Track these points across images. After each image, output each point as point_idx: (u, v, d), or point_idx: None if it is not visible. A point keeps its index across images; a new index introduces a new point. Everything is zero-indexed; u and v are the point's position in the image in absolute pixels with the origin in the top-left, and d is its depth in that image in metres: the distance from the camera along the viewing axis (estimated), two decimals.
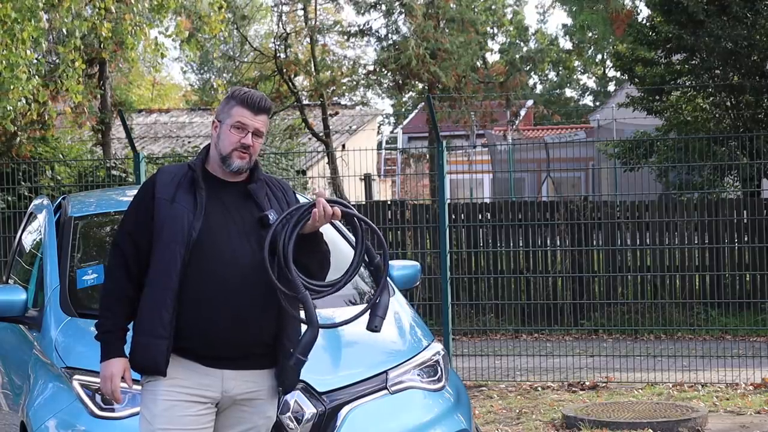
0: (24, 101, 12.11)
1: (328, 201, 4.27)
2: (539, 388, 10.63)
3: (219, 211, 4.31)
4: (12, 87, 11.70)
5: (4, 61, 11.67)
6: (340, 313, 5.50)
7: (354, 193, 18.84)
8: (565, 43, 48.64)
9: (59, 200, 6.79)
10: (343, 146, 25.19)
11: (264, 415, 4.38)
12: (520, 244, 14.47)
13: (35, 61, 12.93)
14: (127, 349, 4.35)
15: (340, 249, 5.71)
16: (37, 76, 12.42)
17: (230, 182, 4.38)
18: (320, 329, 4.31)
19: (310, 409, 5.07)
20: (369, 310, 4.37)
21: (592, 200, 14.88)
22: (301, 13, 24.20)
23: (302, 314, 4.28)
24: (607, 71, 49.18)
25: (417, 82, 23.65)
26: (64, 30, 12.64)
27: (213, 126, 4.41)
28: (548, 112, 27.25)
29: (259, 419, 4.37)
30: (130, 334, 4.35)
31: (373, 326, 4.36)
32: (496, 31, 38.81)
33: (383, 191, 26.26)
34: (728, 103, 17.03)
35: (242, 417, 4.34)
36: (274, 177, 4.58)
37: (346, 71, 23.89)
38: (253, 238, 4.31)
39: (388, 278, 4.44)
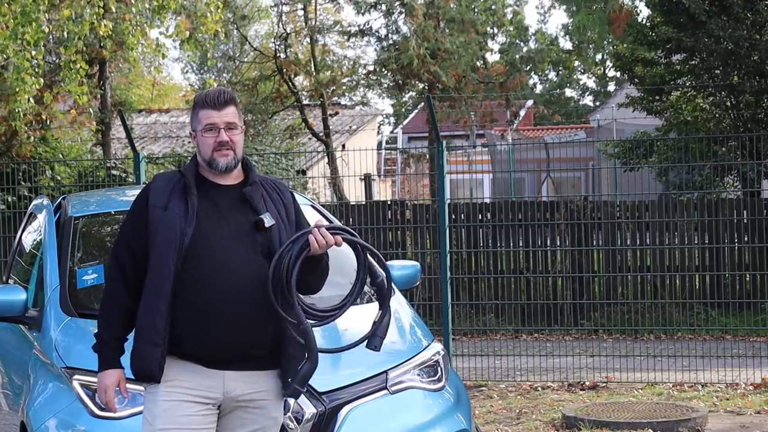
0: (31, 102, 12.16)
1: (329, 229, 4.26)
2: (539, 388, 10.63)
3: (213, 215, 4.30)
4: (18, 89, 11.75)
5: (10, 62, 11.71)
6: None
7: (354, 193, 18.83)
8: (565, 43, 48.69)
9: (59, 200, 6.79)
10: (343, 146, 25.19)
11: (269, 416, 4.37)
12: (520, 244, 14.46)
13: (36, 62, 12.95)
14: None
15: (341, 249, 5.72)
16: (35, 77, 12.43)
17: (224, 186, 4.36)
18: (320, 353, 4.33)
19: (310, 409, 5.07)
20: (371, 328, 4.39)
21: (592, 200, 14.88)
22: (301, 13, 24.20)
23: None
24: (607, 71, 49.20)
25: (417, 82, 23.64)
26: (65, 33, 12.65)
27: (192, 138, 4.40)
28: (548, 112, 27.26)
29: (265, 420, 4.36)
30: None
31: (373, 346, 4.38)
32: (496, 31, 38.81)
33: (383, 191, 26.25)
34: (728, 103, 17.03)
35: (247, 418, 4.33)
36: (270, 178, 4.55)
37: (346, 71, 23.89)
38: (248, 241, 4.29)
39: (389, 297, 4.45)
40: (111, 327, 4.33)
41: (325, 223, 4.33)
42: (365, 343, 4.38)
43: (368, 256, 4.37)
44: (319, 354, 4.31)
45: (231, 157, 4.31)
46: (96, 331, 4.38)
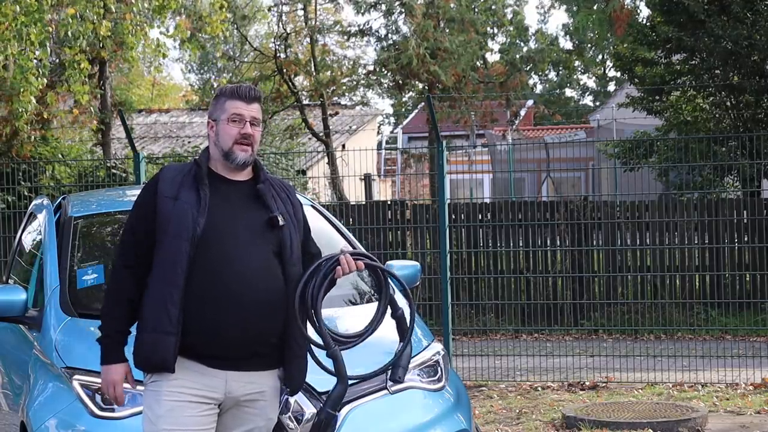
0: (34, 102, 12.17)
1: (352, 254, 4.33)
2: (539, 388, 10.63)
3: (225, 209, 4.31)
4: (23, 89, 11.75)
5: (11, 62, 11.71)
6: (342, 313, 5.52)
7: (354, 193, 18.83)
8: (566, 43, 48.67)
9: (59, 200, 6.79)
10: (343, 146, 25.18)
11: (266, 416, 4.38)
12: (520, 244, 14.46)
13: (41, 62, 12.96)
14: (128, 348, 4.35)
15: (336, 241, 5.75)
16: (39, 77, 12.45)
17: (234, 181, 4.37)
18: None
19: (310, 409, 5.06)
20: (394, 359, 4.44)
21: (592, 200, 14.87)
22: (301, 13, 24.20)
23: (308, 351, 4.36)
24: (607, 71, 49.19)
25: (417, 82, 23.65)
26: (69, 33, 12.66)
27: (209, 127, 4.41)
28: (548, 112, 27.25)
29: (261, 420, 4.37)
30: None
31: (397, 377, 4.46)
32: (496, 31, 38.78)
33: (383, 191, 26.25)
34: (728, 103, 17.02)
35: (244, 418, 4.33)
36: (277, 177, 4.58)
37: (346, 71, 23.89)
38: (259, 238, 4.30)
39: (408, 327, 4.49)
40: (116, 320, 4.32)
41: (350, 248, 4.38)
42: (389, 377, 4.42)
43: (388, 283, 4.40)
44: (315, 357, 4.37)
45: (249, 153, 4.35)
46: (100, 324, 4.37)
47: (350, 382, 4.47)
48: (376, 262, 4.38)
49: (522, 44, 44.52)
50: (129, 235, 4.36)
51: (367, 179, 17.06)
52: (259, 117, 4.39)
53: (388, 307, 4.44)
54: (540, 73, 48.35)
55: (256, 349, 4.27)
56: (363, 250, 6.27)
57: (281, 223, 4.33)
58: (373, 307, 4.51)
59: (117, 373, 4.31)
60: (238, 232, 4.28)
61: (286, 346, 4.32)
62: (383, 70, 23.36)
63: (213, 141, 4.38)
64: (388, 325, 4.44)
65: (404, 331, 4.46)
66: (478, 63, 25.04)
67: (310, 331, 4.33)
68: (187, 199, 4.26)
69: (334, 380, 5.19)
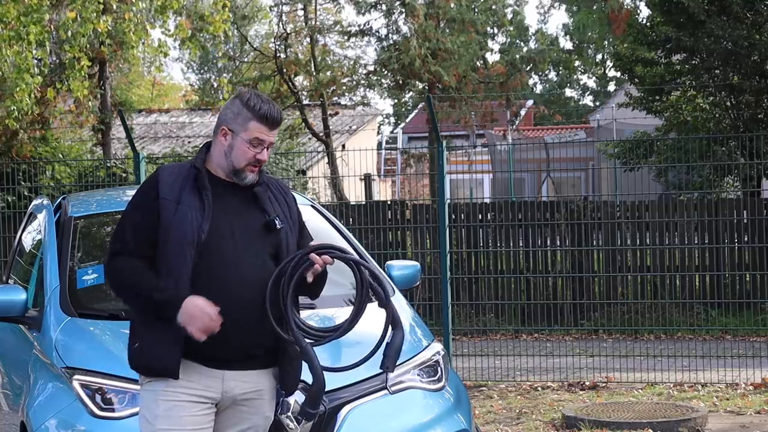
0: (28, 100, 12.17)
1: (318, 248, 4.25)
2: (539, 388, 10.63)
3: (224, 214, 4.27)
4: (18, 88, 11.76)
5: (8, 61, 11.73)
6: (341, 313, 5.50)
7: (354, 193, 18.83)
8: (566, 43, 48.70)
9: (59, 200, 6.79)
10: (343, 146, 25.18)
11: (263, 415, 4.38)
12: (520, 244, 14.46)
13: (38, 60, 12.98)
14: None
15: (335, 241, 5.75)
16: (39, 76, 12.46)
17: (233, 184, 4.33)
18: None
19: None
20: (384, 349, 4.37)
21: (592, 200, 14.87)
22: (301, 13, 24.19)
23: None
24: (607, 71, 49.20)
25: (417, 82, 23.63)
26: (69, 32, 12.66)
27: (222, 133, 4.28)
28: (549, 112, 27.26)
29: (259, 419, 4.37)
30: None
31: (385, 367, 4.37)
32: (496, 31, 38.81)
33: (383, 191, 26.24)
34: (728, 103, 17.03)
35: (242, 417, 4.33)
36: (273, 178, 4.54)
37: (346, 71, 23.88)
38: (258, 242, 4.28)
39: (398, 316, 4.43)
40: (153, 280, 4.18)
41: (319, 243, 4.32)
42: (373, 351, 4.37)
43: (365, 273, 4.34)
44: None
45: (256, 174, 4.31)
46: (149, 293, 4.22)
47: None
48: (347, 254, 4.32)
49: (522, 44, 44.56)
50: (126, 233, 4.26)
51: (367, 179, 17.05)
52: (274, 141, 4.33)
53: (371, 300, 4.37)
54: (540, 73, 48.39)
55: (252, 351, 4.26)
56: (362, 249, 6.29)
57: (279, 226, 4.31)
58: (372, 306, 4.49)
59: (200, 300, 4.12)
60: (235, 236, 4.26)
61: (281, 348, 4.31)
62: (383, 70, 23.35)
63: (224, 150, 4.28)
64: (384, 321, 4.42)
65: (394, 321, 4.42)
66: (478, 63, 25.02)
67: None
68: (190, 203, 4.22)
69: (334, 381, 5.22)
